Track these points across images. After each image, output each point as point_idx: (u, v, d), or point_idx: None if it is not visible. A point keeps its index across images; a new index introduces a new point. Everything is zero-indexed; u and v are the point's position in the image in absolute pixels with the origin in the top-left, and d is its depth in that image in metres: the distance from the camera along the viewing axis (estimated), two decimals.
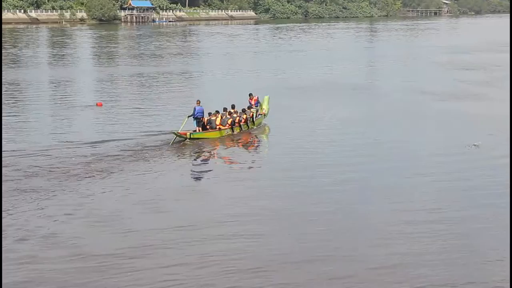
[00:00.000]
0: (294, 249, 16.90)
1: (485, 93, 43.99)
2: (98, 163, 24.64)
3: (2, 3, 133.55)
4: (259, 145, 30.78)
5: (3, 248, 15.36)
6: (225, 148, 28.58)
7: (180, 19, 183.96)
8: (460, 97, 42.30)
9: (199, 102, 29.72)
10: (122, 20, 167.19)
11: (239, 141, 29.77)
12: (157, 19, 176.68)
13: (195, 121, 29.41)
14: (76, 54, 77.14)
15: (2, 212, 18.07)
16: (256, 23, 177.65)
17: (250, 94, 33.32)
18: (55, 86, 48.26)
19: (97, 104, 38.91)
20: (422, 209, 19.84)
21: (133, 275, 15.21)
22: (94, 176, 22.88)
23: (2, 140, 27.12)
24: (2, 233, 16.74)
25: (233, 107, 31.05)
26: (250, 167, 25.70)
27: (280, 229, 18.22)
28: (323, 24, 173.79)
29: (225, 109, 30.62)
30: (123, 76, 55.20)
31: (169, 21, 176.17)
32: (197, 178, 24.66)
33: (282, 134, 31.32)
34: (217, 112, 30.12)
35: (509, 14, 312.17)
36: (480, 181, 22.95)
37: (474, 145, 28.15)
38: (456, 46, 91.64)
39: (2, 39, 77.40)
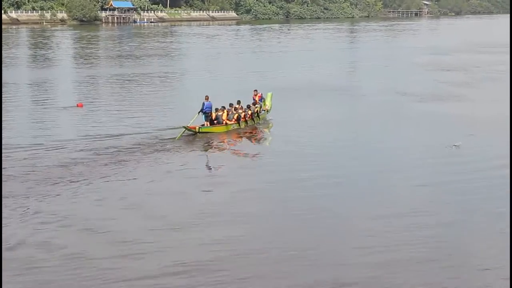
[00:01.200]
0: (270, 255, 16.93)
1: (465, 94, 44.23)
2: (77, 165, 24.55)
3: None
4: (262, 138, 32.01)
5: None
6: (232, 141, 30.03)
7: (162, 19, 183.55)
8: (440, 98, 42.50)
9: (208, 97, 31.03)
10: (103, 20, 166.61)
11: (245, 134, 31.33)
12: (138, 19, 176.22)
13: (203, 116, 30.85)
14: (57, 55, 76.83)
15: None
16: (237, 24, 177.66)
17: (255, 91, 34.75)
18: (36, 88, 48.00)
19: (77, 105, 38.75)
20: (406, 213, 19.58)
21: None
22: (74, 180, 22.79)
23: None
24: None
25: (238, 103, 32.37)
26: (253, 158, 27.43)
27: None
28: (305, 25, 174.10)
29: (231, 105, 31.98)
30: (104, 77, 55.01)
31: (150, 22, 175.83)
32: (208, 168, 26.15)
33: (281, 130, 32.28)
34: (223, 108, 31.46)
35: (489, 15, 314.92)
36: (462, 183, 22.86)
37: (455, 145, 28.27)
38: (436, 47, 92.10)
39: None
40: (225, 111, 31.32)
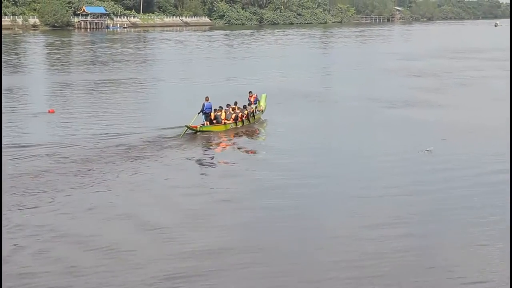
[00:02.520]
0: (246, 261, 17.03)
1: (436, 100, 44.47)
2: (48, 173, 24.40)
3: None
4: (258, 136, 33.46)
5: None
6: (230, 139, 31.72)
7: (135, 25, 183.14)
8: (411, 104, 42.72)
9: (208, 98, 32.94)
10: (76, 26, 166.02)
11: (242, 133, 33.00)
12: (111, 25, 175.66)
13: (203, 116, 32.77)
14: (28, 61, 76.36)
15: None
16: (211, 29, 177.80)
17: (250, 92, 36.59)
18: (6, 94, 47.43)
19: (49, 111, 38.55)
20: (378, 223, 19.22)
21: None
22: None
23: None
24: None
25: (235, 103, 34.31)
26: (250, 155, 29.53)
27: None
28: (278, 30, 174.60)
29: (228, 105, 33.96)
30: (76, 83, 54.81)
31: (123, 28, 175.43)
32: (209, 164, 27.61)
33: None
34: (221, 108, 33.46)
35: (460, 21, 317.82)
36: (435, 192, 22.69)
37: (427, 150, 28.44)
38: (408, 53, 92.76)
39: None
40: (223, 111, 33.31)
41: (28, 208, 20.15)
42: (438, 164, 26.33)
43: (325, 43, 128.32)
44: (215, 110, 33.14)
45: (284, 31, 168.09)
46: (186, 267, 16.05)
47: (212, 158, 28.61)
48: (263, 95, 37.12)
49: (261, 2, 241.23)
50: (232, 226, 19.08)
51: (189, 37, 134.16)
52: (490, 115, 38.72)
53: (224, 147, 30.51)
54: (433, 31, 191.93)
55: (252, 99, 36.19)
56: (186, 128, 31.46)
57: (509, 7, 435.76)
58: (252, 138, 32.64)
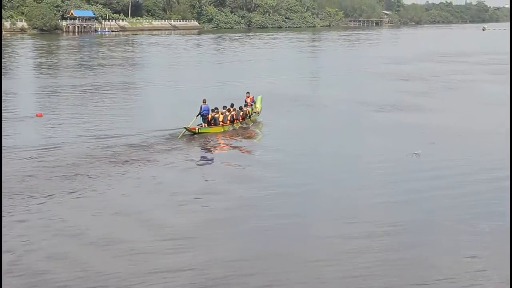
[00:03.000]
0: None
1: (424, 104, 44.59)
2: (33, 178, 24.29)
3: None
4: (254, 137, 34.25)
5: None
6: (227, 140, 32.37)
7: (123, 29, 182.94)
8: (400, 108, 42.83)
9: (205, 101, 33.86)
10: (64, 30, 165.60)
11: (239, 134, 33.77)
12: (99, 29, 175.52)
13: (201, 118, 33.54)
14: (16, 65, 76.07)
15: None
16: (199, 33, 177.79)
17: (248, 93, 37.76)
18: None
19: (37, 115, 38.43)
20: (370, 232, 19.06)
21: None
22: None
23: None
24: None
25: (232, 105, 35.09)
26: (246, 155, 30.18)
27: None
28: (266, 34, 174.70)
29: (224, 107, 34.65)
30: (64, 86, 54.68)
31: (112, 31, 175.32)
32: (208, 163, 28.71)
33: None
34: (217, 109, 34.26)
35: (447, 25, 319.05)
36: (423, 194, 22.90)
37: (415, 153, 28.52)
38: (396, 57, 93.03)
39: None
40: (220, 113, 34.21)
41: (10, 213, 20.07)
42: (426, 169, 26.39)
43: (313, 47, 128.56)
44: (212, 111, 33.91)
45: (272, 35, 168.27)
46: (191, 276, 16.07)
47: (209, 159, 29.32)
48: (259, 97, 37.66)
49: (249, 6, 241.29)
50: (232, 233, 19.07)
51: (177, 41, 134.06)
52: (478, 118, 38.90)
53: (221, 149, 31.22)
54: (421, 35, 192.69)
55: (249, 100, 37.03)
56: (185, 130, 32.15)
57: (496, 11, 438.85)
58: (248, 139, 33.34)
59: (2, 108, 41.98)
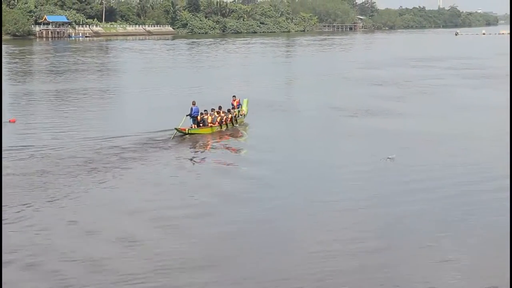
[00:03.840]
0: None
1: (397, 108, 44.87)
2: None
3: None
4: (241, 138, 35.70)
5: None
6: (216, 141, 33.88)
7: (97, 34, 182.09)
8: (374, 113, 43.02)
9: (195, 102, 35.65)
10: (37, 35, 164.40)
11: (227, 135, 35.36)
12: (73, 34, 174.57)
13: (191, 119, 35.05)
14: None
15: None
16: (173, 38, 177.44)
17: (234, 96, 39.58)
18: None
19: (10, 121, 38.16)
20: (343, 237, 19.10)
21: None
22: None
23: None
24: None
25: (220, 108, 36.61)
26: (233, 154, 32.09)
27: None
28: (241, 39, 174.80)
29: (212, 110, 36.16)
30: (37, 92, 54.39)
31: (86, 36, 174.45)
32: (197, 162, 29.90)
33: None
34: (206, 111, 35.82)
35: (421, 30, 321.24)
36: (396, 198, 23.12)
37: (389, 158, 28.70)
38: (370, 62, 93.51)
39: None
40: (209, 115, 35.71)
41: None
42: (400, 173, 26.67)
43: (288, 52, 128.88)
44: (201, 113, 35.48)
45: (247, 40, 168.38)
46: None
47: (197, 159, 30.49)
48: (245, 100, 39.35)
49: (224, 11, 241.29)
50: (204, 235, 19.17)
51: (151, 46, 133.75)
52: (451, 123, 39.24)
53: (210, 149, 32.44)
54: (394, 40, 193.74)
55: (235, 103, 38.76)
56: (176, 130, 33.61)
57: (468, 16, 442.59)
58: (236, 140, 34.83)
59: None
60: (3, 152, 29.02)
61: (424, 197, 23.12)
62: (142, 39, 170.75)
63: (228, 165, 28.82)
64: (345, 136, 34.93)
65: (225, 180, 25.68)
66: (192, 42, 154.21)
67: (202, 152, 32.12)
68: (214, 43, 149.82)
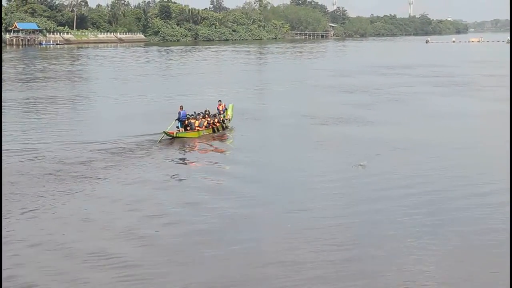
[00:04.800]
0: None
1: (369, 116, 44.90)
2: None
3: None
4: (226, 141, 37.02)
5: None
6: (203, 144, 35.05)
7: (68, 41, 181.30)
8: (345, 120, 43.01)
9: (182, 107, 36.93)
10: (7, 43, 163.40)
11: (213, 139, 36.57)
12: (44, 41, 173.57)
13: (179, 123, 36.42)
14: None
15: None
16: (145, 46, 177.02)
17: (219, 101, 40.85)
18: None
19: None
20: (314, 247, 18.94)
21: None
22: None
23: None
24: None
25: (206, 112, 37.84)
26: (219, 155, 33.43)
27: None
28: (213, 46, 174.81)
29: (199, 114, 37.42)
30: (6, 100, 53.70)
31: (57, 44, 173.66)
32: (184, 164, 31.02)
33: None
34: (193, 115, 37.23)
35: (392, 38, 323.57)
36: (368, 202, 23.26)
37: (360, 165, 28.74)
38: (341, 69, 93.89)
39: None
40: (196, 119, 36.98)
41: None
42: (371, 181, 26.59)
43: (260, 59, 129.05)
44: (188, 118, 36.84)
45: (219, 48, 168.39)
46: None
47: (185, 161, 31.76)
48: (230, 105, 40.98)
49: (196, 19, 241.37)
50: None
51: (123, 54, 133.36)
52: (421, 130, 39.39)
53: (197, 152, 33.64)
54: (365, 48, 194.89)
55: (220, 108, 39.96)
56: (164, 134, 34.75)
57: (439, 24, 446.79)
58: (220, 143, 35.94)
59: None
60: None
61: (395, 203, 23.15)
62: (113, 47, 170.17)
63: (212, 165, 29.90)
64: (316, 144, 34.84)
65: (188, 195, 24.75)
66: (164, 49, 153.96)
67: (186, 155, 32.93)
68: (186, 51, 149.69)
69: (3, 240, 18.73)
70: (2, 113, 46.90)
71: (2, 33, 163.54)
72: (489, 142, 35.20)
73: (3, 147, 31.75)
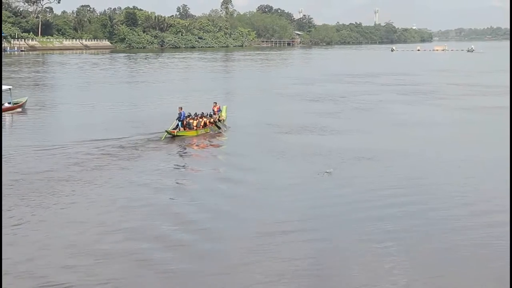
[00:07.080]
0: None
1: (334, 124, 44.97)
2: None
3: None
4: (220, 138, 40.10)
5: None
6: (200, 141, 38.34)
7: (33, 48, 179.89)
8: (310, 129, 42.94)
9: (182, 108, 40.48)
10: None
11: (209, 137, 39.80)
12: (8, 48, 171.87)
13: (179, 123, 39.92)
14: None
15: None
16: (111, 53, 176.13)
17: (215, 103, 44.67)
18: None
19: None
20: (280, 250, 19.11)
21: None
22: None
23: None
24: None
25: (203, 113, 41.49)
26: (214, 152, 36.58)
27: None
28: (179, 54, 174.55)
29: (196, 114, 41.16)
30: None
31: (21, 50, 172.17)
32: (184, 160, 33.90)
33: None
34: (190, 116, 40.82)
35: (357, 46, 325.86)
36: (334, 208, 23.35)
37: (326, 172, 28.76)
38: (306, 78, 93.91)
39: None
40: (194, 119, 40.46)
41: None
42: (338, 186, 26.79)
43: (225, 67, 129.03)
44: (186, 118, 40.37)
45: (185, 55, 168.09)
46: None
47: (181, 158, 34.19)
48: (224, 107, 45.29)
49: (162, 26, 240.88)
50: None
51: (88, 60, 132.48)
52: (386, 138, 39.64)
53: (196, 148, 36.76)
54: (331, 56, 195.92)
55: (215, 109, 43.48)
56: (166, 132, 38.21)
57: (404, 33, 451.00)
58: (215, 141, 38.98)
59: None
60: None
61: (363, 209, 23.35)
62: (79, 53, 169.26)
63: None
64: (282, 152, 34.78)
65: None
66: (130, 56, 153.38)
67: (185, 151, 35.71)
68: (152, 58, 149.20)
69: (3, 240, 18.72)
70: None
71: None
72: (453, 151, 35.53)
73: None
